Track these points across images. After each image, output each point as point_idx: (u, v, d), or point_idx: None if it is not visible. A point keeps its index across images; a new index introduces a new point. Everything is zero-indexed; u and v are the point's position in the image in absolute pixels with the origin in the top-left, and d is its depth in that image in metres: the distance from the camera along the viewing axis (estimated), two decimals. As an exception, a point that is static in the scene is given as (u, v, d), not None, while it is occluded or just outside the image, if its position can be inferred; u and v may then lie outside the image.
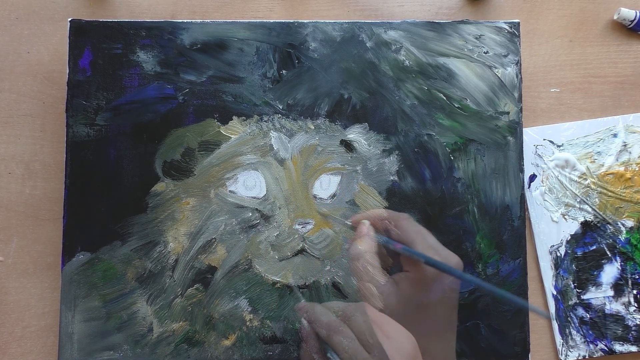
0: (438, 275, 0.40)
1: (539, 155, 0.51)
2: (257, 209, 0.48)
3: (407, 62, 0.49)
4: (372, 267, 0.41)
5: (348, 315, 0.39)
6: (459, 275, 0.39)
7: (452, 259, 0.40)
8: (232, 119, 0.48)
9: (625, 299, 0.50)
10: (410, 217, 0.43)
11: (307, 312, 0.41)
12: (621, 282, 0.50)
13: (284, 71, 0.49)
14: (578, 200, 0.51)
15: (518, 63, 0.50)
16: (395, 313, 0.40)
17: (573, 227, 0.51)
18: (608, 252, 0.51)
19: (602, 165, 0.51)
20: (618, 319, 0.50)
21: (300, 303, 0.44)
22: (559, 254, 0.51)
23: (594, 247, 0.51)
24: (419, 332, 0.39)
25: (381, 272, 0.42)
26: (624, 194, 0.51)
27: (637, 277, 0.50)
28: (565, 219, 0.51)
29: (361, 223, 0.44)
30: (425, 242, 0.41)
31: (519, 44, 0.50)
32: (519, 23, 0.50)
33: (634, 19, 0.52)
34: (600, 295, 0.50)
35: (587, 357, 0.50)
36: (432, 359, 0.40)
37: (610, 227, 0.51)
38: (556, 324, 0.50)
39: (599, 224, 0.51)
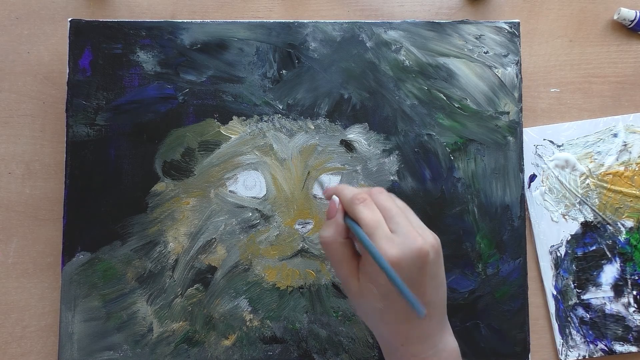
0: (392, 265, 0.35)
1: (539, 155, 0.51)
2: (257, 209, 0.48)
3: (407, 62, 0.49)
4: (338, 255, 0.38)
5: (374, 192, 0.38)
6: (389, 275, 0.34)
7: (414, 244, 0.35)
8: (232, 119, 0.48)
9: (625, 300, 0.50)
10: (376, 195, 0.38)
11: (335, 189, 0.39)
12: (621, 283, 0.50)
13: (284, 71, 0.49)
14: (578, 200, 0.51)
15: (518, 63, 0.50)
16: (360, 302, 0.38)
17: (573, 227, 0.51)
18: (608, 253, 0.51)
19: (602, 165, 0.51)
20: (618, 319, 0.50)
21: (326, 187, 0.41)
22: (559, 254, 0.51)
23: (594, 248, 0.51)
24: (387, 320, 0.37)
25: (350, 258, 0.38)
26: (624, 194, 0.51)
27: (637, 277, 0.50)
28: (565, 219, 0.51)
29: (331, 200, 0.40)
30: (379, 230, 0.36)
31: (519, 44, 0.50)
32: (519, 23, 0.50)
33: (634, 19, 0.52)
34: (600, 295, 0.50)
35: (587, 357, 0.50)
36: (408, 340, 0.37)
37: (610, 227, 0.51)
38: (556, 324, 0.50)
39: (598, 224, 0.51)
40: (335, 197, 0.40)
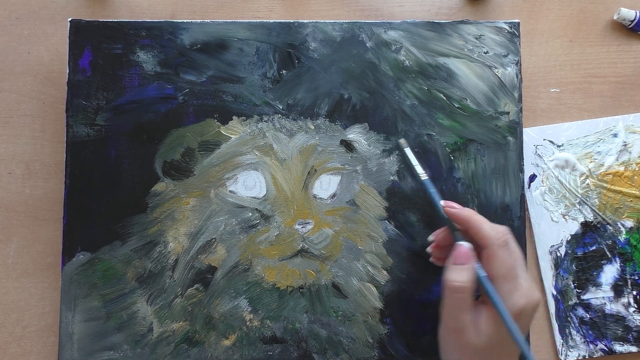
0: (519, 313, 0.37)
1: (539, 155, 0.51)
2: (257, 209, 0.48)
3: (407, 62, 0.49)
4: (466, 304, 0.38)
5: (508, 232, 0.39)
6: (519, 344, 0.36)
7: (534, 296, 0.37)
8: (232, 119, 0.48)
9: (625, 300, 0.50)
10: (507, 243, 0.39)
11: (468, 217, 0.40)
12: (621, 283, 0.50)
13: (284, 71, 0.49)
14: (578, 200, 0.51)
15: (518, 63, 0.50)
16: (476, 350, 0.38)
17: (573, 227, 0.51)
18: (608, 253, 0.51)
19: (602, 165, 0.51)
20: (618, 319, 0.50)
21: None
22: (559, 254, 0.51)
23: (594, 248, 0.51)
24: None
25: (473, 311, 0.38)
26: (624, 194, 0.51)
27: (637, 277, 0.50)
28: (565, 219, 0.51)
29: (460, 246, 0.40)
30: (514, 280, 0.37)
31: (519, 44, 0.50)
32: (519, 23, 0.50)
33: (634, 19, 0.52)
34: (600, 295, 0.50)
35: (587, 357, 0.50)
36: None
37: (610, 227, 0.51)
38: (556, 324, 0.50)
39: (598, 225, 0.51)
40: (465, 244, 0.40)
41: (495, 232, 0.39)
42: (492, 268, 0.38)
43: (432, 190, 0.44)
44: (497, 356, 0.39)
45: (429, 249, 0.45)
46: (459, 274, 0.38)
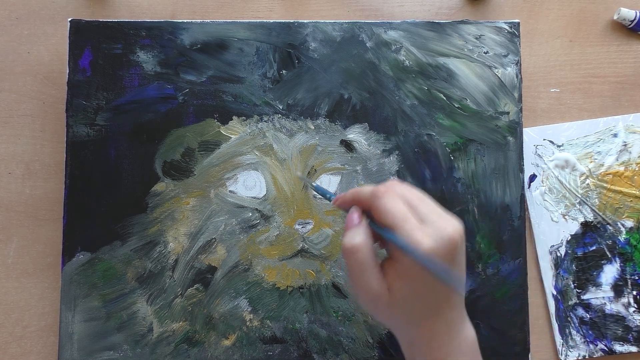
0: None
1: (539, 155, 0.51)
2: (257, 209, 0.48)
3: (407, 62, 0.49)
4: (367, 264, 0.37)
5: (391, 184, 0.37)
6: (426, 264, 0.34)
7: (445, 232, 0.35)
8: (232, 119, 0.48)
9: (625, 300, 0.50)
10: (395, 186, 0.37)
11: (349, 193, 0.38)
12: (621, 283, 0.50)
13: (284, 71, 0.49)
14: (578, 200, 0.51)
15: (518, 63, 0.50)
16: (392, 307, 0.37)
17: (573, 227, 0.51)
18: (608, 253, 0.51)
19: (602, 165, 0.51)
20: (618, 319, 0.50)
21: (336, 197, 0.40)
22: (559, 254, 0.51)
23: (594, 248, 0.51)
24: (418, 319, 0.37)
25: (377, 265, 0.37)
26: (624, 194, 0.51)
27: (637, 277, 0.50)
28: (565, 219, 0.51)
29: (351, 211, 0.39)
30: (408, 222, 0.35)
31: (519, 44, 0.50)
32: (519, 23, 0.50)
33: (634, 19, 0.52)
34: (600, 295, 0.50)
35: (587, 357, 0.50)
36: (435, 340, 0.37)
37: (610, 227, 0.51)
38: (556, 324, 0.50)
39: (598, 225, 0.51)
40: (352, 208, 0.38)
41: (372, 189, 0.38)
42: (381, 220, 0.36)
43: (321, 189, 0.44)
44: (419, 310, 0.37)
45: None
46: (353, 235, 0.37)
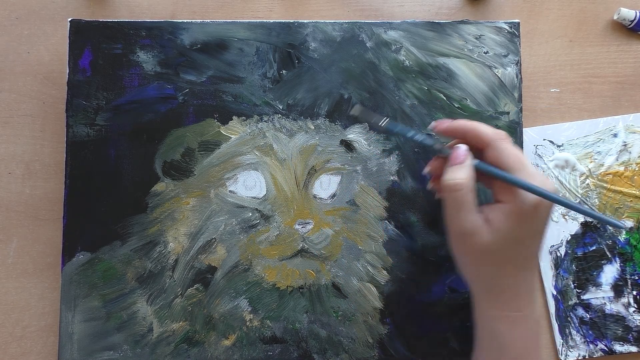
0: (536, 207, 0.35)
1: (539, 156, 0.51)
2: (257, 209, 0.48)
3: (407, 62, 0.49)
4: (467, 203, 0.36)
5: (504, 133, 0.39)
6: (561, 202, 0.35)
7: (549, 185, 0.36)
8: (232, 119, 0.48)
9: (625, 300, 0.50)
10: (508, 137, 0.38)
11: (463, 124, 0.39)
12: (621, 283, 0.50)
13: (284, 71, 0.49)
14: (578, 200, 0.51)
15: (518, 63, 0.50)
16: (486, 252, 0.37)
17: (573, 227, 0.51)
18: (608, 253, 0.51)
19: (602, 165, 0.51)
20: (618, 319, 0.50)
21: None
22: (559, 254, 0.51)
23: (594, 248, 0.51)
24: (509, 267, 0.37)
25: (476, 209, 0.37)
26: (624, 194, 0.51)
27: (637, 277, 0.50)
28: (565, 219, 0.51)
29: (457, 147, 0.38)
30: (524, 169, 0.36)
31: (519, 44, 0.50)
32: (519, 23, 0.50)
33: (634, 19, 0.52)
34: (600, 295, 0.50)
35: (587, 357, 0.50)
36: (517, 292, 0.38)
37: (610, 227, 0.51)
38: (556, 324, 0.50)
39: (598, 225, 0.51)
40: (461, 145, 0.39)
41: (493, 130, 0.39)
42: (499, 161, 0.37)
43: (410, 131, 0.42)
44: (514, 258, 0.37)
45: (429, 186, 0.43)
46: (455, 172, 0.37)
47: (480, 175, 0.39)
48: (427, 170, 0.43)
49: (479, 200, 0.38)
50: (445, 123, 0.40)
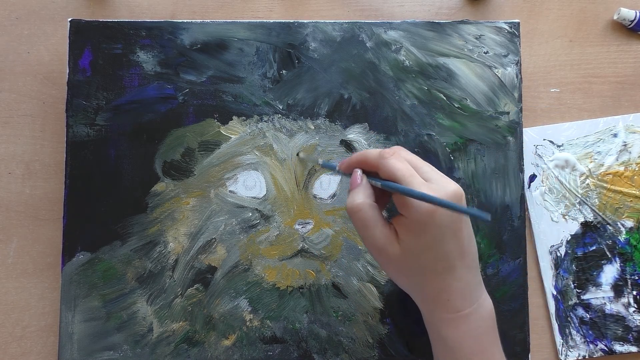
0: (431, 214, 0.36)
1: (539, 155, 0.51)
2: (257, 209, 0.48)
3: (407, 62, 0.49)
4: (371, 220, 0.38)
5: (396, 148, 0.39)
6: (449, 206, 0.35)
7: (448, 187, 0.37)
8: (232, 119, 0.48)
9: (625, 300, 0.50)
10: (400, 150, 0.40)
11: (355, 156, 0.40)
12: (621, 283, 0.50)
13: (284, 71, 0.49)
14: (578, 200, 0.51)
15: (518, 63, 0.50)
16: (400, 262, 0.38)
17: (573, 227, 0.51)
18: (608, 253, 0.51)
19: (602, 165, 0.51)
20: (618, 319, 0.50)
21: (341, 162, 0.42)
22: (559, 254, 0.51)
23: (594, 248, 0.51)
24: (429, 274, 0.37)
25: (382, 221, 0.38)
26: (624, 194, 0.51)
27: (637, 277, 0.50)
28: (565, 219, 0.51)
29: (353, 172, 0.40)
30: (413, 178, 0.37)
31: (519, 44, 0.50)
32: (519, 23, 0.50)
33: (634, 19, 0.52)
34: (600, 295, 0.50)
35: (587, 357, 0.50)
36: (450, 294, 0.38)
37: (610, 227, 0.51)
38: (556, 324, 0.50)
39: (598, 225, 0.51)
40: (356, 169, 0.40)
41: (378, 151, 0.40)
42: (390, 178, 0.38)
43: (327, 164, 0.45)
44: (430, 265, 0.38)
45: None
46: (352, 195, 0.39)
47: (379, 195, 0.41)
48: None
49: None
50: (344, 163, 0.42)
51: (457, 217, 0.37)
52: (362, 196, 0.39)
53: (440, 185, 0.37)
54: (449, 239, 0.37)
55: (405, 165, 0.38)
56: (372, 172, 0.40)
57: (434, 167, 0.39)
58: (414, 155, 0.40)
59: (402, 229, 0.38)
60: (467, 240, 0.38)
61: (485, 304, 0.40)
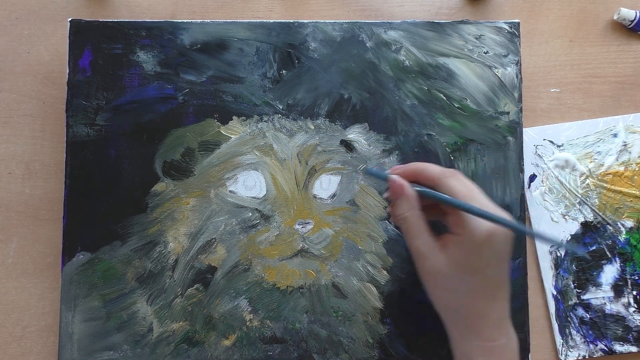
0: (489, 237, 0.36)
1: (539, 156, 0.51)
2: (257, 209, 0.48)
3: (407, 62, 0.49)
4: (415, 228, 0.39)
5: (455, 171, 0.40)
6: (514, 227, 0.36)
7: (506, 215, 0.38)
8: (232, 119, 0.48)
9: (625, 300, 0.50)
10: (460, 174, 0.40)
11: (414, 167, 0.41)
12: (621, 283, 0.50)
13: (284, 71, 0.49)
14: (578, 200, 0.51)
15: (518, 63, 0.50)
16: (444, 277, 0.38)
17: (573, 227, 0.51)
18: (608, 253, 0.51)
19: (602, 165, 0.51)
20: (618, 319, 0.50)
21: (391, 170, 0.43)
22: (559, 254, 0.51)
23: (594, 248, 0.51)
24: (472, 296, 0.38)
25: (428, 231, 0.39)
26: (624, 194, 0.51)
27: (637, 277, 0.50)
28: (565, 219, 0.51)
29: (392, 180, 0.41)
30: (473, 201, 0.38)
31: (519, 44, 0.50)
32: (519, 23, 0.50)
33: (634, 19, 0.52)
34: (600, 295, 0.50)
35: (587, 357, 0.50)
36: (487, 322, 0.38)
37: (610, 227, 0.51)
38: (556, 324, 0.50)
39: (598, 225, 0.51)
40: (394, 177, 0.41)
41: (441, 169, 0.40)
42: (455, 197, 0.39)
43: (376, 171, 0.46)
44: (477, 288, 0.38)
45: (388, 209, 0.46)
46: (396, 207, 0.40)
47: (435, 205, 0.41)
48: (386, 195, 0.45)
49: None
50: (399, 169, 0.43)
51: (509, 246, 0.38)
52: (405, 207, 0.40)
53: (496, 212, 0.37)
54: (499, 264, 0.38)
55: (466, 188, 0.39)
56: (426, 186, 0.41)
57: (489, 198, 0.39)
58: (472, 182, 0.40)
59: (455, 246, 0.38)
60: (508, 271, 0.39)
61: (514, 337, 0.40)
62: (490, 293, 0.38)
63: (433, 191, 0.40)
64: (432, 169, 0.41)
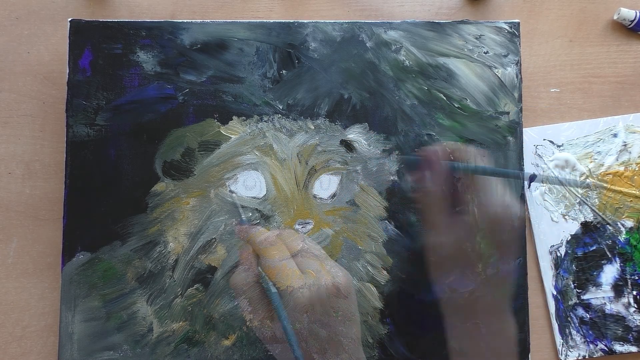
0: None
1: (539, 155, 0.51)
2: (257, 209, 0.48)
3: (407, 62, 0.49)
4: (444, 203, 0.47)
5: (285, 234, 0.45)
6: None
7: (338, 276, 0.45)
8: (232, 119, 0.48)
9: (625, 300, 0.50)
10: (293, 234, 0.46)
11: (244, 231, 0.45)
12: (621, 283, 0.50)
13: (284, 71, 0.49)
14: (578, 200, 0.51)
15: (518, 63, 0.50)
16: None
17: (573, 227, 0.51)
18: (608, 253, 0.51)
19: (602, 165, 0.51)
20: (618, 319, 0.50)
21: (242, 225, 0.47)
22: (559, 254, 0.51)
23: (594, 248, 0.51)
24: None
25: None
26: (624, 194, 0.51)
27: (637, 277, 0.50)
28: (565, 219, 0.51)
29: (245, 248, 0.47)
30: (282, 270, 0.44)
31: (519, 44, 0.50)
32: (519, 23, 0.50)
33: (634, 19, 0.52)
34: (600, 295, 0.50)
35: (587, 357, 0.50)
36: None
37: (610, 227, 0.51)
38: (556, 324, 0.50)
39: (598, 225, 0.51)
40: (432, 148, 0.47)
41: (263, 236, 0.46)
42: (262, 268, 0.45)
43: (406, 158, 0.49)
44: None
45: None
46: (239, 273, 0.47)
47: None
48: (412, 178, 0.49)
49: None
50: (241, 231, 0.48)
51: (329, 304, 0.45)
52: (243, 276, 0.46)
53: (315, 280, 0.45)
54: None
55: (281, 254, 0.46)
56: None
57: (319, 255, 0.47)
58: (304, 240, 0.47)
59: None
60: (341, 325, 0.46)
61: None
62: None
63: (263, 278, 0.45)
64: (255, 236, 0.46)
